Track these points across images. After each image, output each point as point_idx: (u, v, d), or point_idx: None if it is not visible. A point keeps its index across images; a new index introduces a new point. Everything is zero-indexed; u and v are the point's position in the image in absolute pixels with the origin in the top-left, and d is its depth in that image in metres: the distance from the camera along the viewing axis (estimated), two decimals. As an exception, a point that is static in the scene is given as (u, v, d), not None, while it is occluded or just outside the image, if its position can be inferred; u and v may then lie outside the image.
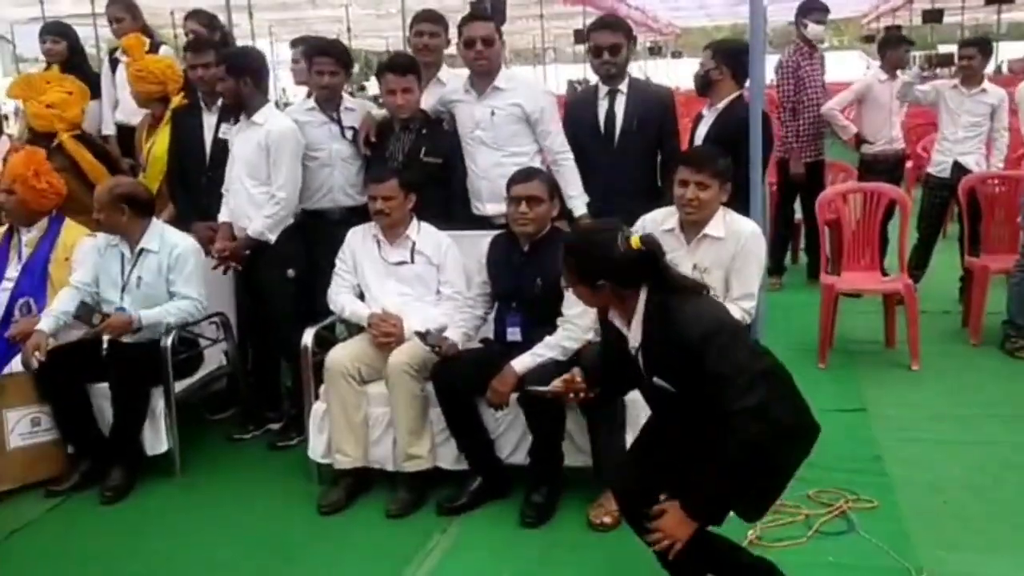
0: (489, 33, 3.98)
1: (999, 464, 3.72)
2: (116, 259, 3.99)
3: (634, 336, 2.44)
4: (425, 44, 4.33)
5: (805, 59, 6.24)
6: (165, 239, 3.97)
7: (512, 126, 3.99)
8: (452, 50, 4.50)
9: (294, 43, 5.19)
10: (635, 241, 2.34)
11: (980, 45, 6.02)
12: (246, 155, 4.07)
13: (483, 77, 4.02)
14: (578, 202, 3.99)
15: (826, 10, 6.29)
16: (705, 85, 4.41)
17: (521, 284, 3.56)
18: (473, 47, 3.98)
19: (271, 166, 4.03)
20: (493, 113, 3.98)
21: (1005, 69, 18.03)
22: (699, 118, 4.54)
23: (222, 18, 5.98)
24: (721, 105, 4.27)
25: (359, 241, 3.92)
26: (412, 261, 3.83)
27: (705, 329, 2.29)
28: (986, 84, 6.01)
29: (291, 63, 5.09)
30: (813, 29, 6.20)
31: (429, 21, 4.36)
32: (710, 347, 2.27)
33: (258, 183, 4.07)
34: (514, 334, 3.58)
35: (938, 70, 10.43)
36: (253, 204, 4.08)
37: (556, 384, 2.79)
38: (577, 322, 3.39)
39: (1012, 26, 25.42)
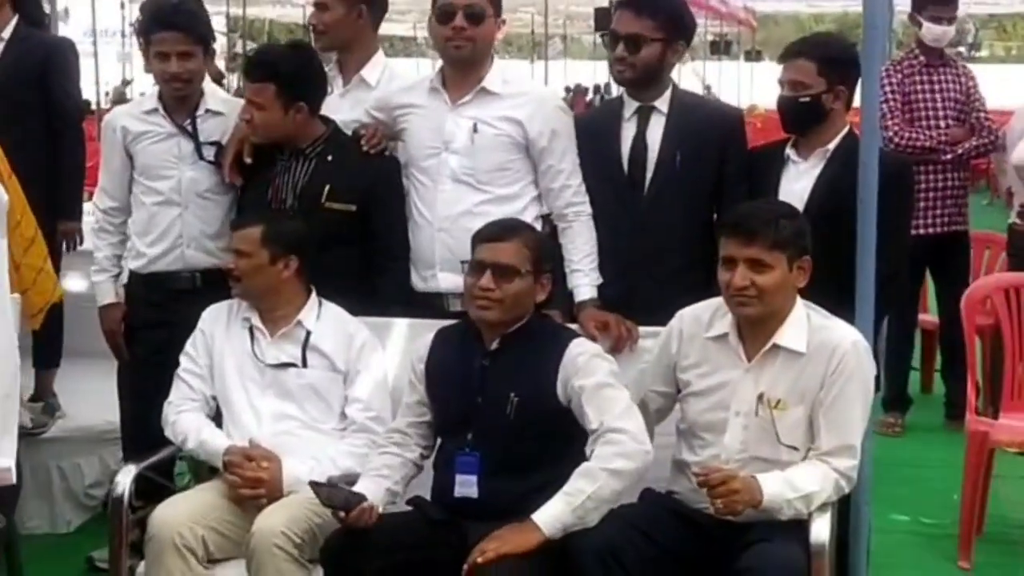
0: (477, 1, 3.54)
1: None
2: None
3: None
4: (312, 23, 4.04)
5: (918, 73, 5.82)
6: None
7: (501, 153, 3.56)
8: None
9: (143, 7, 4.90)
10: None
11: None
12: None
13: (463, 71, 3.59)
14: (585, 279, 3.56)
15: (949, 1, 5.92)
16: (806, 116, 3.70)
17: (482, 403, 3.13)
18: (449, 22, 3.50)
19: None
20: (476, 128, 3.54)
21: None
22: (779, 165, 3.78)
23: None
24: (832, 146, 3.68)
25: (221, 328, 3.45)
26: (304, 364, 3.35)
27: None
28: None
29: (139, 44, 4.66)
30: (929, 29, 5.81)
31: None
32: None
33: None
34: (467, 484, 3.10)
35: None
36: None
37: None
38: (627, 426, 2.96)
39: None
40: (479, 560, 2.86)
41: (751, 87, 24.57)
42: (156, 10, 3.98)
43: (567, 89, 17.03)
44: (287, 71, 3.57)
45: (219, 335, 3.43)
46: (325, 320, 3.39)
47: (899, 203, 3.58)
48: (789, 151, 3.75)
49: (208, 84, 4.04)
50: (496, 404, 3.11)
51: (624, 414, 3.01)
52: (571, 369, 3.08)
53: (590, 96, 17.07)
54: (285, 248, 3.32)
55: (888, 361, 5.43)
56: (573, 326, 3.44)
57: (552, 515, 2.87)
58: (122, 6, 16.20)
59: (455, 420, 3.20)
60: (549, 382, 3.08)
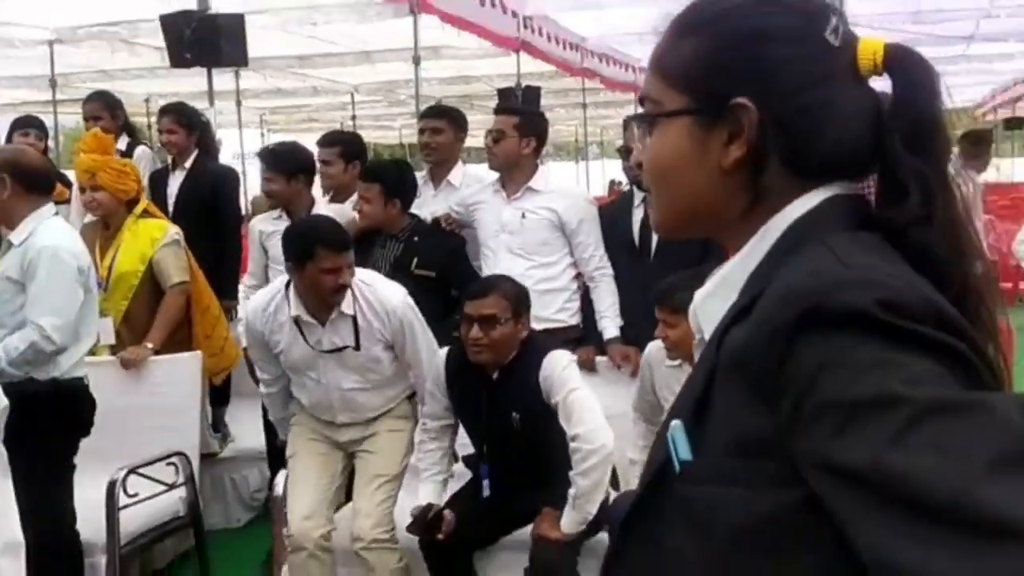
0: (498, 127, 4.23)
1: None
2: None
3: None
4: (426, 142, 4.65)
5: None
6: (36, 235, 3.47)
7: (543, 232, 4.23)
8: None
9: (322, 142, 5.02)
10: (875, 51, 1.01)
11: None
12: None
13: (512, 177, 4.29)
14: (611, 323, 4.18)
15: None
16: None
17: (492, 423, 3.50)
18: (487, 138, 4.30)
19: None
20: (524, 216, 4.22)
21: None
22: None
23: (201, 105, 6.18)
24: None
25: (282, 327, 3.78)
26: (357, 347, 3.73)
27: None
28: None
29: (319, 164, 4.89)
30: None
31: (430, 117, 4.72)
32: None
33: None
34: (485, 488, 3.58)
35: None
36: None
37: None
38: (579, 431, 3.26)
39: None
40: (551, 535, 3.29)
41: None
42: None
43: (611, 183, 18.44)
44: (389, 176, 4.27)
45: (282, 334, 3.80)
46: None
47: None
48: None
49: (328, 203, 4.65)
50: (503, 425, 3.44)
51: (580, 419, 3.27)
52: (548, 385, 3.37)
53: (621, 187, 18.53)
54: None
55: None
56: (603, 358, 4.13)
57: (566, 520, 3.31)
58: (262, 136, 17.68)
59: (474, 435, 3.62)
60: (538, 394, 3.39)
